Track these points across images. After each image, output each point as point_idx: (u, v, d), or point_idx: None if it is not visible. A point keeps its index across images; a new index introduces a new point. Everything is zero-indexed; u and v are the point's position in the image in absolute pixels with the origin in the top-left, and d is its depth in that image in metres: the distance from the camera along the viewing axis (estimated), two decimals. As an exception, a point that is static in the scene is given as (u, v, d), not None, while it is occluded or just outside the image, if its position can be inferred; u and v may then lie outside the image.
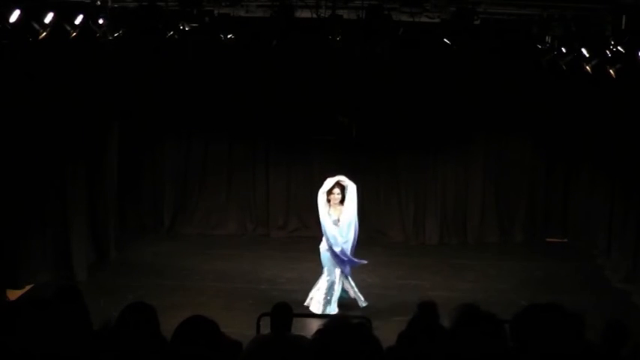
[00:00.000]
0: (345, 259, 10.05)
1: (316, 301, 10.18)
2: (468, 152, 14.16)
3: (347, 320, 2.76)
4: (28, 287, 10.69)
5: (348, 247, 10.06)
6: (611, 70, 9.33)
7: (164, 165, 14.23)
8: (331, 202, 10.05)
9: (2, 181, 10.32)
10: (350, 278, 10.33)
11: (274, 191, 14.26)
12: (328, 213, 10.04)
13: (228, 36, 10.79)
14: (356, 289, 10.36)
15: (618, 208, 12.24)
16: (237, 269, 12.16)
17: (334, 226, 10.03)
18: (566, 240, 14.25)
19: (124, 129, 13.01)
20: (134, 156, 13.81)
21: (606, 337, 5.29)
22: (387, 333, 4.91)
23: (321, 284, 10.21)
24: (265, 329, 6.46)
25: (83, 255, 11.49)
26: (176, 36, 10.18)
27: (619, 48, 8.86)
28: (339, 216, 10.06)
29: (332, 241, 9.98)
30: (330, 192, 10.02)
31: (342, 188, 10.04)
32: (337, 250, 9.99)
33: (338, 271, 10.12)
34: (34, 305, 4.27)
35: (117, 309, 4.66)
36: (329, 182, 10.04)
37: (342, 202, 10.09)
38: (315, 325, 2.84)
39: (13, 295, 9.88)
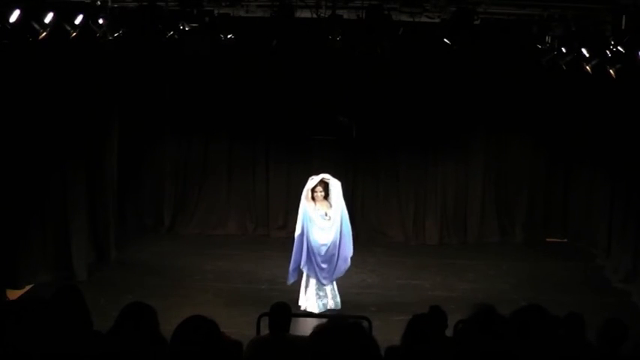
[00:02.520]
0: (324, 265, 10.00)
1: (312, 302, 10.18)
2: (467, 152, 14.16)
3: (343, 321, 2.75)
4: (28, 287, 10.69)
5: (334, 251, 10.01)
6: (611, 70, 9.33)
7: (164, 165, 14.23)
8: (316, 200, 10.12)
9: (2, 181, 10.31)
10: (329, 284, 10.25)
11: (274, 191, 14.24)
12: (315, 208, 10.08)
13: (228, 36, 10.80)
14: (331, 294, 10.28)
15: (618, 208, 12.24)
16: (237, 269, 12.15)
17: (323, 220, 10.07)
18: (566, 240, 14.25)
19: (124, 129, 13.00)
20: (134, 155, 13.81)
21: (604, 336, 5.28)
22: (387, 333, 4.91)
23: (309, 282, 10.22)
24: (265, 329, 6.46)
25: (83, 255, 11.48)
26: (176, 36, 10.18)
27: (619, 48, 8.86)
28: (327, 210, 10.11)
29: (316, 240, 9.99)
30: (313, 190, 10.11)
31: (325, 185, 10.14)
32: (322, 249, 9.97)
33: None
34: (34, 305, 4.27)
35: (117, 309, 4.66)
36: (313, 180, 10.11)
37: (325, 197, 10.18)
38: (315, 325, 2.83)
39: (13, 295, 9.88)
